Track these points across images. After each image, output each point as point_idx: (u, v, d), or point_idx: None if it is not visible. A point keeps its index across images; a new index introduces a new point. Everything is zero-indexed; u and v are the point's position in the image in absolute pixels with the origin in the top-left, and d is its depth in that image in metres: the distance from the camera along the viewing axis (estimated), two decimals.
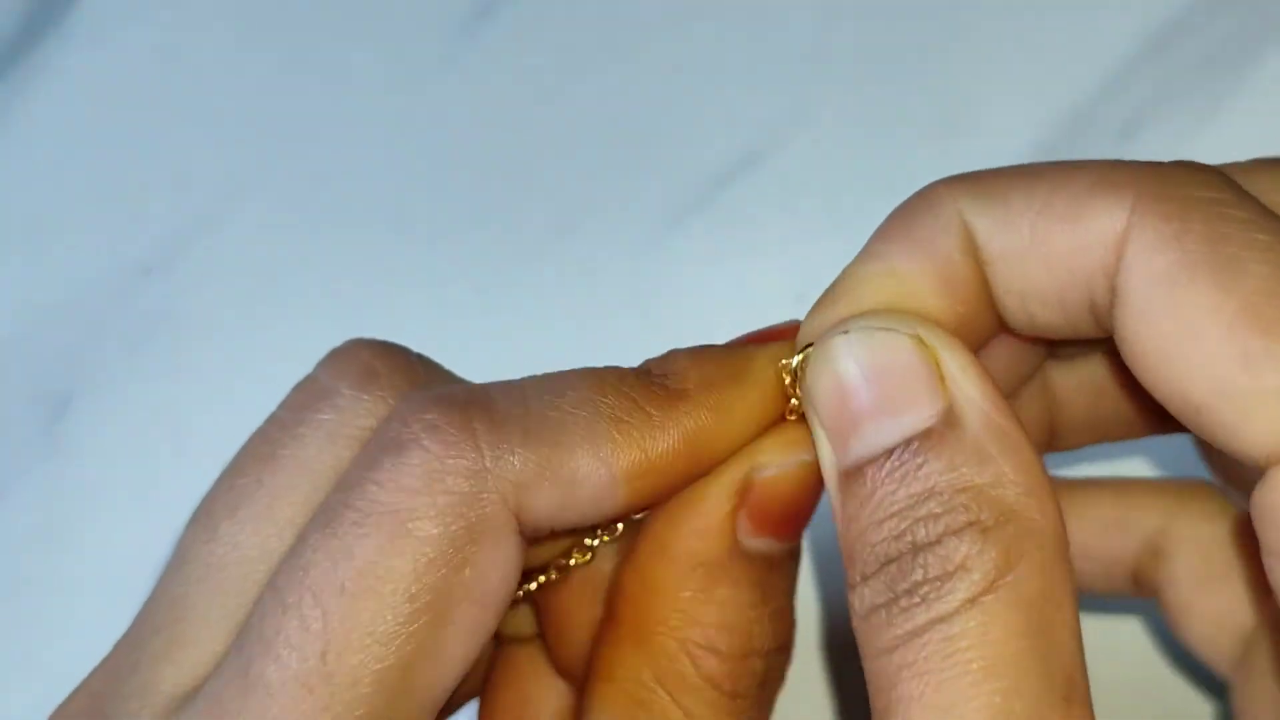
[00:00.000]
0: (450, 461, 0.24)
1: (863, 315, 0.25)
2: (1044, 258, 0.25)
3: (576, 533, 0.28)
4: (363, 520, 0.23)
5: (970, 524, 0.22)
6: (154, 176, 0.42)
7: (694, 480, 0.27)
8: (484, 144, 0.41)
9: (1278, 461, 0.22)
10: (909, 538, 0.23)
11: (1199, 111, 0.40)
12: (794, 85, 0.41)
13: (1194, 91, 0.40)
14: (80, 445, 0.39)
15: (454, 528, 0.23)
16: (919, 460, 0.23)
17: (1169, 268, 0.23)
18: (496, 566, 0.24)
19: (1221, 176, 0.25)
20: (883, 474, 0.23)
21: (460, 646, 0.24)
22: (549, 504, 0.25)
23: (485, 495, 0.24)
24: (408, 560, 0.23)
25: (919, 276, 0.25)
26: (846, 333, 0.24)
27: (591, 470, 0.25)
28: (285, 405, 0.27)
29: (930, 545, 0.22)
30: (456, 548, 0.23)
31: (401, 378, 0.27)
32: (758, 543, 0.27)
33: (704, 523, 0.27)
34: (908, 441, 0.23)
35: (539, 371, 0.27)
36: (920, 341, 0.24)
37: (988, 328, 0.26)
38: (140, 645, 0.25)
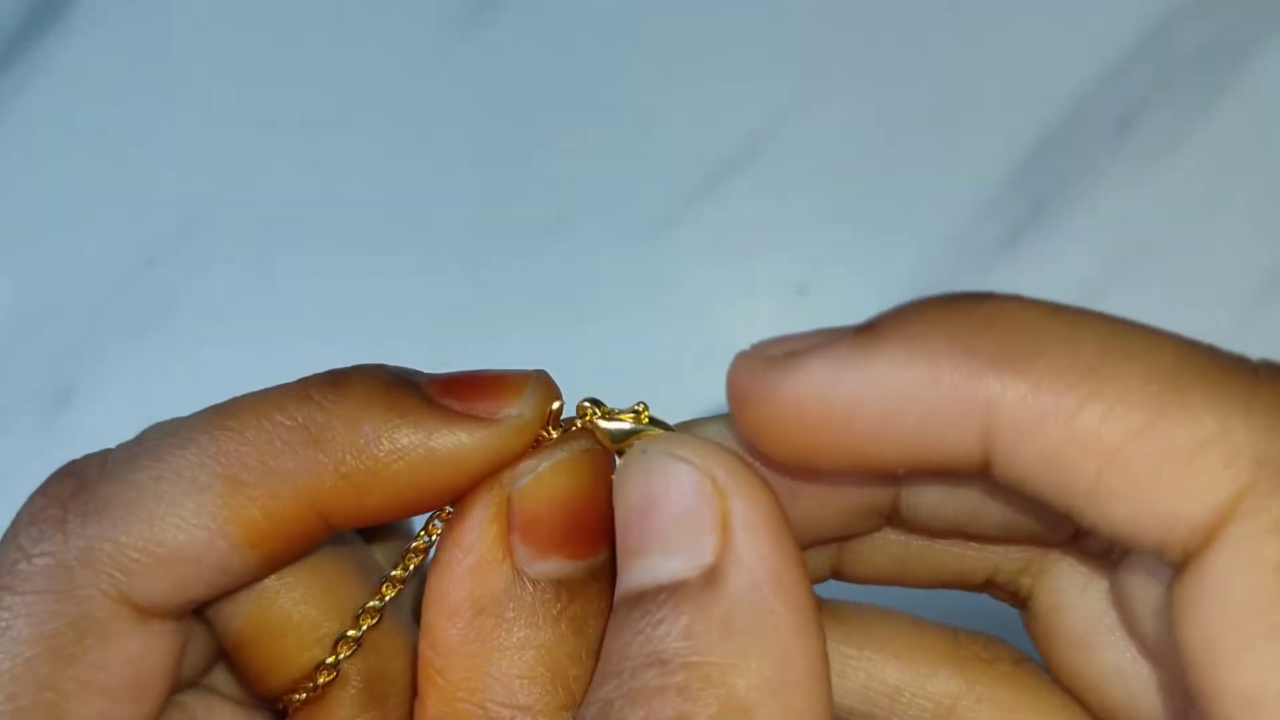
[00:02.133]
0: (38, 560, 0.23)
1: (674, 437, 0.23)
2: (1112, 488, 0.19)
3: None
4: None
5: (677, 717, 0.19)
6: (155, 169, 0.42)
7: (355, 523, 0.23)
8: (483, 136, 0.42)
9: None
10: (615, 708, 0.20)
11: (1196, 104, 0.40)
12: (792, 78, 0.41)
13: (1191, 85, 0.40)
14: (82, 436, 0.39)
15: (49, 626, 0.22)
16: (658, 616, 0.20)
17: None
18: (116, 657, 0.23)
19: None
20: (626, 618, 0.21)
21: (80, 712, 0.23)
22: (163, 584, 0.23)
23: (79, 590, 0.22)
24: (4, 661, 0.22)
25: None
26: (644, 452, 0.22)
27: (201, 542, 0.22)
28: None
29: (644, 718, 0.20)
30: (58, 645, 0.22)
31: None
32: (546, 566, 0.23)
33: (472, 559, 0.23)
34: (659, 589, 0.20)
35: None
36: (709, 480, 0.21)
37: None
38: None
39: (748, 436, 0.22)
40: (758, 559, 0.20)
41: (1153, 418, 0.19)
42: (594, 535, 0.23)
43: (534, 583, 0.23)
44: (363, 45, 0.42)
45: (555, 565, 0.23)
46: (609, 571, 0.23)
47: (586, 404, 0.24)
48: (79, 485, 0.23)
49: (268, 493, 0.23)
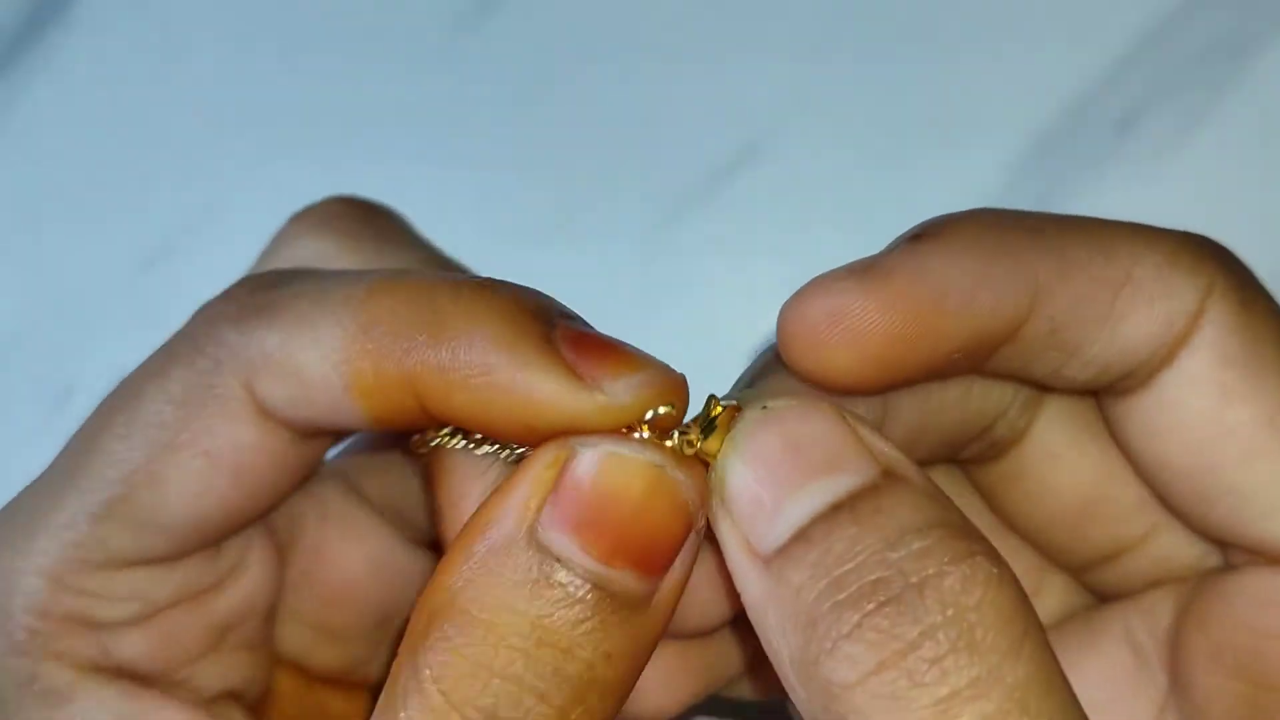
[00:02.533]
0: (205, 345, 0.26)
1: (782, 397, 0.24)
2: (1106, 324, 0.25)
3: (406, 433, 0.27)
4: (140, 370, 0.27)
5: (967, 553, 0.21)
6: (155, 169, 0.42)
7: (444, 417, 0.24)
8: (483, 136, 0.42)
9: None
10: (899, 579, 0.21)
11: (1197, 105, 0.40)
12: (792, 79, 0.41)
13: (1191, 85, 0.40)
14: None
15: (192, 389, 0.26)
16: (874, 507, 0.22)
17: (1237, 354, 0.25)
18: (228, 433, 0.26)
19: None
20: (836, 530, 0.21)
21: (180, 484, 0.26)
22: (281, 394, 0.25)
23: (221, 376, 0.25)
24: (157, 397, 0.26)
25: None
26: (765, 408, 0.23)
27: (319, 369, 0.25)
28: None
29: (931, 578, 0.21)
30: (190, 405, 0.26)
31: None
32: (563, 544, 0.22)
33: (501, 500, 0.23)
34: (853, 497, 0.22)
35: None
36: (838, 411, 0.23)
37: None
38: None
39: (828, 365, 0.24)
40: (902, 456, 0.23)
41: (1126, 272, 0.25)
42: (632, 549, 0.22)
43: (540, 546, 0.22)
44: (364, 45, 0.42)
45: (586, 561, 0.22)
46: (644, 613, 0.23)
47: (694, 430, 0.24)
48: (255, 288, 0.27)
49: (382, 354, 0.24)
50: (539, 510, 0.22)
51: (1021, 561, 0.30)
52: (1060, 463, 0.29)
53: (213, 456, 0.26)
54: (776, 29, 0.42)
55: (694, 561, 0.23)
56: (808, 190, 0.41)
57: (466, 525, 0.23)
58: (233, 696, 0.28)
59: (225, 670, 0.28)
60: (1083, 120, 0.40)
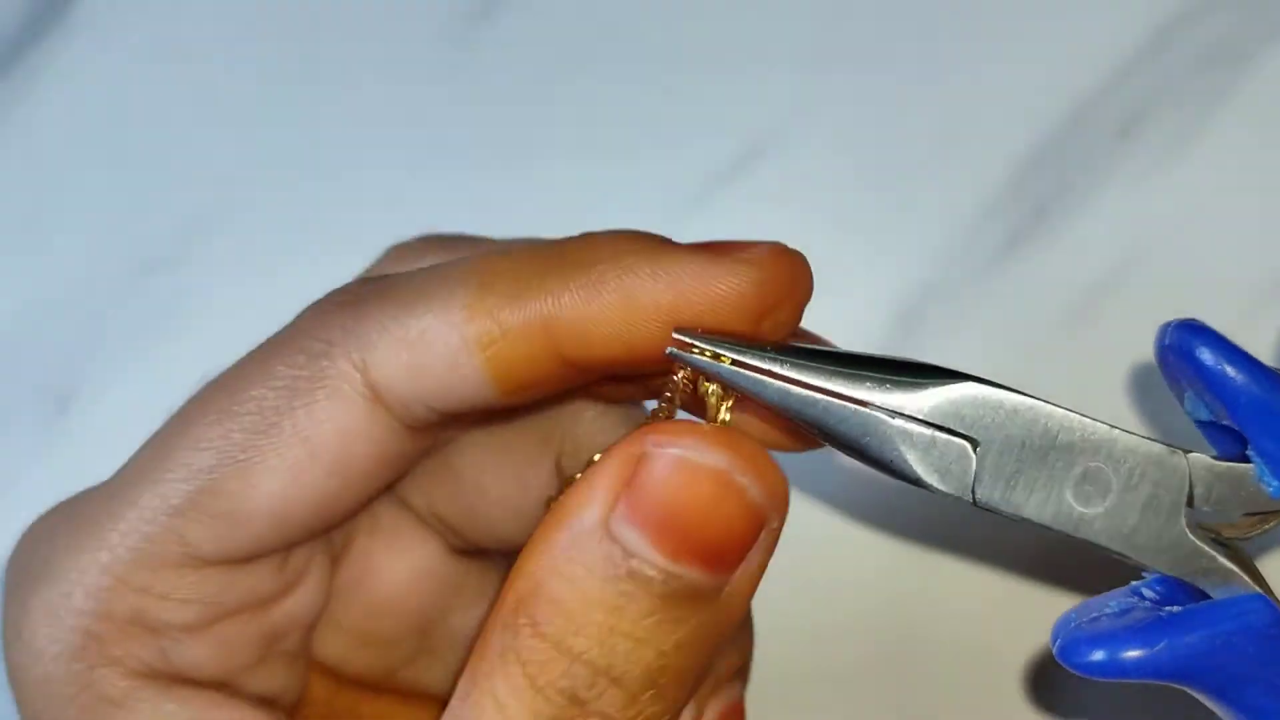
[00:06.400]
0: (312, 325, 0.26)
1: None
2: None
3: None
4: (240, 360, 0.27)
5: None
6: (157, 172, 0.42)
7: (575, 379, 0.25)
8: (485, 137, 0.42)
9: None
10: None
11: (1199, 110, 0.40)
12: (793, 82, 0.41)
13: (1194, 90, 0.40)
14: (83, 441, 0.40)
15: (299, 372, 0.25)
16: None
17: None
18: (331, 419, 0.25)
19: None
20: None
21: (272, 475, 0.25)
22: (397, 366, 0.25)
23: (331, 359, 0.25)
24: (258, 382, 0.25)
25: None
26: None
27: (440, 336, 0.24)
28: None
29: None
30: (296, 390, 0.25)
31: None
32: (634, 539, 0.23)
33: (582, 492, 0.23)
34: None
35: None
36: None
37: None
38: None
39: None
40: None
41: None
42: (698, 549, 0.23)
43: (613, 538, 0.23)
44: (366, 50, 0.42)
45: (655, 557, 0.23)
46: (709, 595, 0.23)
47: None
48: (366, 280, 0.27)
49: (506, 303, 0.24)
50: (613, 505, 0.23)
51: None
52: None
53: (312, 444, 0.25)
54: (777, 33, 0.42)
55: (770, 555, 0.24)
56: (808, 194, 0.40)
57: (551, 513, 0.24)
58: (270, 703, 0.28)
59: (268, 678, 0.28)
60: (1084, 126, 0.40)
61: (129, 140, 0.42)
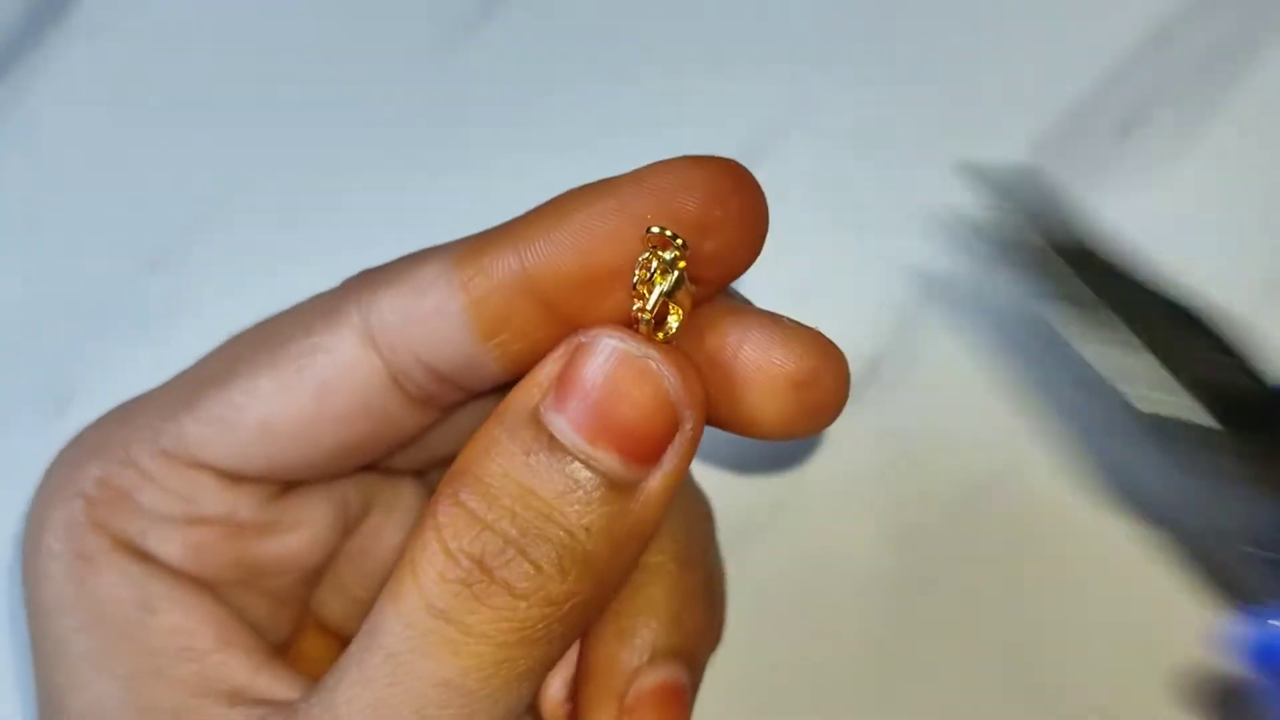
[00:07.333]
0: (347, 280, 0.29)
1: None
2: None
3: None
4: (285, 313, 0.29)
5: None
6: (157, 171, 0.42)
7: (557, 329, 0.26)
8: (485, 137, 0.42)
9: None
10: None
11: (1200, 107, 0.40)
12: (793, 82, 0.41)
13: (1195, 87, 0.40)
14: None
15: (312, 309, 0.28)
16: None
17: None
18: (324, 349, 0.27)
19: None
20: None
21: (266, 388, 0.28)
22: (392, 310, 0.27)
23: (341, 299, 0.28)
24: (281, 319, 0.29)
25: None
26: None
27: (429, 276, 0.27)
28: None
29: None
30: (304, 323, 0.28)
31: None
32: (558, 423, 0.25)
33: (522, 386, 0.26)
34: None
35: None
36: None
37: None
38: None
39: None
40: None
41: None
42: (614, 433, 0.25)
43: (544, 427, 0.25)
44: (366, 47, 0.42)
45: (574, 439, 0.25)
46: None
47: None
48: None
49: (490, 249, 0.26)
50: (547, 393, 0.25)
51: None
52: None
53: (304, 371, 0.27)
54: (778, 32, 0.42)
55: (685, 465, 0.26)
56: (808, 192, 0.40)
57: (495, 410, 0.26)
58: (251, 624, 0.30)
59: (251, 605, 0.30)
60: (1084, 124, 0.40)
61: (129, 140, 0.42)
